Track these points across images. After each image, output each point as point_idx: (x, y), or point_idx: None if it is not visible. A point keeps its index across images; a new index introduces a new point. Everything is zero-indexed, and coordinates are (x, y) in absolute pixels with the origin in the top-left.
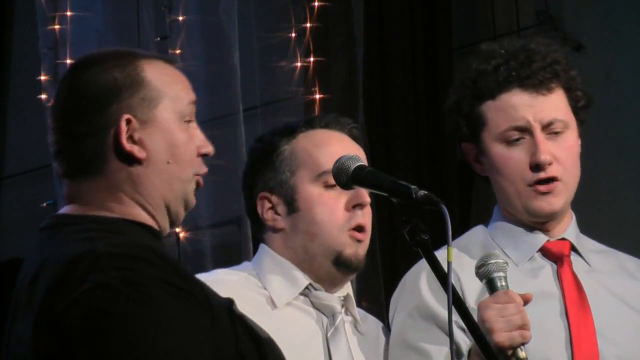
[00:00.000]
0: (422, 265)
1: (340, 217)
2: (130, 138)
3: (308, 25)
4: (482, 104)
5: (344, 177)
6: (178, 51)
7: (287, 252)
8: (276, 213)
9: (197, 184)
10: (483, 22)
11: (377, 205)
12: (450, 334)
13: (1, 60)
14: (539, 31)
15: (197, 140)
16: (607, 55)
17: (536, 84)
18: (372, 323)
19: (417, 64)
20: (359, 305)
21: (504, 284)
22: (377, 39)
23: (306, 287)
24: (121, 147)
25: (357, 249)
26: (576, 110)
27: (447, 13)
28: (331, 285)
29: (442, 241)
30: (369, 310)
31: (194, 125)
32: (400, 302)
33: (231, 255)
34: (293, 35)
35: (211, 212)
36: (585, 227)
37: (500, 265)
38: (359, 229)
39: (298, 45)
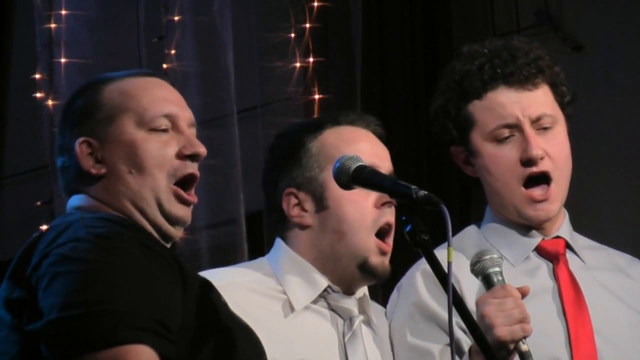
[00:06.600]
0: (416, 267)
1: (369, 215)
2: (95, 158)
3: (307, 25)
4: (469, 104)
5: (345, 177)
6: (173, 51)
7: (312, 251)
8: (303, 210)
9: (177, 196)
10: (483, 22)
11: None
12: (450, 334)
13: (1, 60)
14: (538, 31)
15: (177, 145)
16: (607, 55)
17: (521, 79)
18: (379, 313)
19: (416, 64)
20: None
21: (500, 278)
22: (376, 40)
23: (324, 290)
24: (82, 168)
25: (383, 259)
26: (562, 106)
27: (447, 13)
28: (350, 287)
29: (442, 241)
30: None
31: (172, 133)
32: (399, 306)
33: (227, 255)
34: (292, 35)
35: (207, 213)
36: (586, 226)
37: (495, 260)
38: (385, 231)
39: (297, 45)
